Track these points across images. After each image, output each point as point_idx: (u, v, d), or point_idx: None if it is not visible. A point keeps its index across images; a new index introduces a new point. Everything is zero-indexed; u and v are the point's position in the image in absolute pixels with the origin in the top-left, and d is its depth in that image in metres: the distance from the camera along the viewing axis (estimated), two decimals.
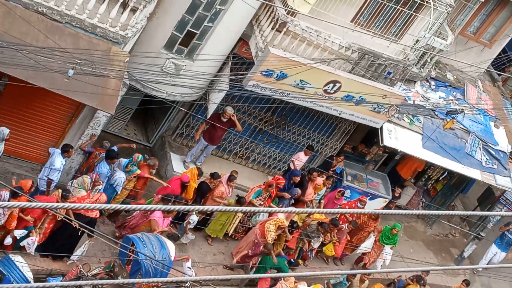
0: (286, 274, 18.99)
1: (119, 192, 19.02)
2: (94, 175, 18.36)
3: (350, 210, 23.01)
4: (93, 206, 16.12)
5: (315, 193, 22.34)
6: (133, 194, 19.53)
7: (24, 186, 17.19)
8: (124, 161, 19.13)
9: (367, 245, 22.43)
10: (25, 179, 17.70)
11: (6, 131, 17.84)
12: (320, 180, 22.40)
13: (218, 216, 20.62)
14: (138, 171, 19.24)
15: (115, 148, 19.26)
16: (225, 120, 21.15)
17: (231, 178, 20.61)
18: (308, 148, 22.90)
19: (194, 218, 19.95)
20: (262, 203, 20.70)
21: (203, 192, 20.30)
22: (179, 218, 20.21)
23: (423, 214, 25.88)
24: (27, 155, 19.33)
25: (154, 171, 19.74)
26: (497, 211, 25.35)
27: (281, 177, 21.65)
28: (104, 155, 18.97)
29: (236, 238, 21.24)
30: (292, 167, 22.68)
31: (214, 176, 20.23)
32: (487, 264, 25.16)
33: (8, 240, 17.22)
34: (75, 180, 18.33)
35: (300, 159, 22.63)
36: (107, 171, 18.71)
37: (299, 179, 21.95)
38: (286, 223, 20.09)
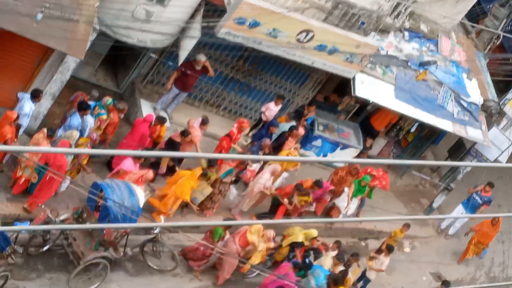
0: (258, 221, 19.00)
1: (84, 136, 18.79)
2: (94, 134, 18.45)
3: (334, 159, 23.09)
4: (74, 151, 16.10)
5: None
6: (102, 140, 19.40)
7: (10, 118, 17.36)
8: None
9: (341, 199, 22.52)
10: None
11: None
12: (301, 130, 22.30)
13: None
14: (104, 117, 19.11)
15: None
16: (198, 68, 21.04)
17: (204, 122, 20.53)
18: (278, 97, 22.77)
19: None
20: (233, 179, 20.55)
21: (174, 150, 19.97)
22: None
23: (395, 163, 26.00)
24: None
25: (122, 116, 19.65)
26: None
27: (245, 120, 21.60)
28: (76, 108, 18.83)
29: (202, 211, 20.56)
30: (264, 118, 22.61)
31: (185, 134, 20.02)
32: (451, 224, 25.38)
33: None
34: (64, 132, 18.29)
35: (270, 109, 22.54)
36: (79, 124, 18.55)
37: (276, 130, 21.88)
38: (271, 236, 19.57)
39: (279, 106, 22.71)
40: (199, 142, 20.38)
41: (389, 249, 21.31)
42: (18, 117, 17.58)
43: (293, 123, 22.36)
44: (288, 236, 20.24)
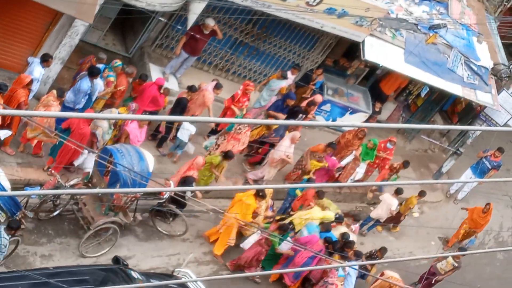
0: (267, 186, 18.90)
1: (93, 99, 18.74)
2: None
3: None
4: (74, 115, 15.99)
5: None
6: (110, 104, 19.31)
7: (23, 81, 17.33)
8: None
9: (345, 162, 22.39)
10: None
11: None
12: (319, 97, 22.17)
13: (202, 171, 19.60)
14: (112, 78, 19.02)
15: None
16: (206, 32, 20.88)
17: (218, 86, 20.40)
18: (294, 67, 22.56)
19: (192, 129, 19.82)
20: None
21: (183, 108, 19.87)
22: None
23: (404, 127, 25.88)
24: (4, 63, 19.03)
25: (131, 80, 19.55)
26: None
27: (250, 82, 21.47)
28: (86, 72, 18.72)
29: None
30: None
31: (192, 89, 19.94)
32: (460, 188, 25.33)
33: None
34: (73, 96, 18.32)
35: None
36: (88, 88, 18.46)
37: (293, 102, 21.69)
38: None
39: (295, 76, 22.57)
40: (211, 104, 20.28)
41: (398, 192, 21.66)
42: (32, 80, 17.49)
43: (285, 81, 22.07)
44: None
